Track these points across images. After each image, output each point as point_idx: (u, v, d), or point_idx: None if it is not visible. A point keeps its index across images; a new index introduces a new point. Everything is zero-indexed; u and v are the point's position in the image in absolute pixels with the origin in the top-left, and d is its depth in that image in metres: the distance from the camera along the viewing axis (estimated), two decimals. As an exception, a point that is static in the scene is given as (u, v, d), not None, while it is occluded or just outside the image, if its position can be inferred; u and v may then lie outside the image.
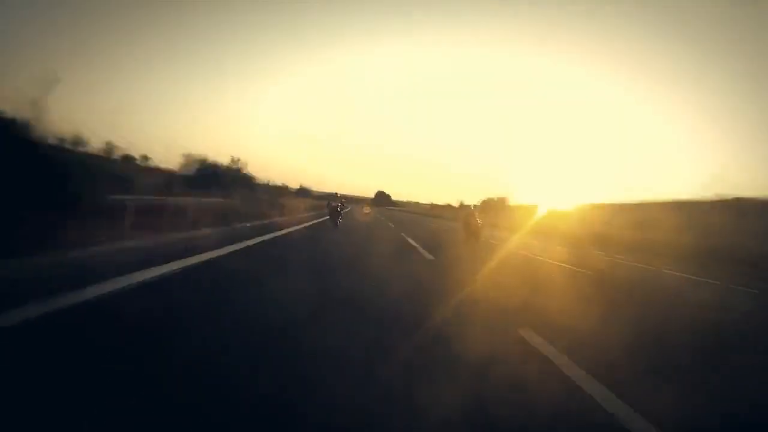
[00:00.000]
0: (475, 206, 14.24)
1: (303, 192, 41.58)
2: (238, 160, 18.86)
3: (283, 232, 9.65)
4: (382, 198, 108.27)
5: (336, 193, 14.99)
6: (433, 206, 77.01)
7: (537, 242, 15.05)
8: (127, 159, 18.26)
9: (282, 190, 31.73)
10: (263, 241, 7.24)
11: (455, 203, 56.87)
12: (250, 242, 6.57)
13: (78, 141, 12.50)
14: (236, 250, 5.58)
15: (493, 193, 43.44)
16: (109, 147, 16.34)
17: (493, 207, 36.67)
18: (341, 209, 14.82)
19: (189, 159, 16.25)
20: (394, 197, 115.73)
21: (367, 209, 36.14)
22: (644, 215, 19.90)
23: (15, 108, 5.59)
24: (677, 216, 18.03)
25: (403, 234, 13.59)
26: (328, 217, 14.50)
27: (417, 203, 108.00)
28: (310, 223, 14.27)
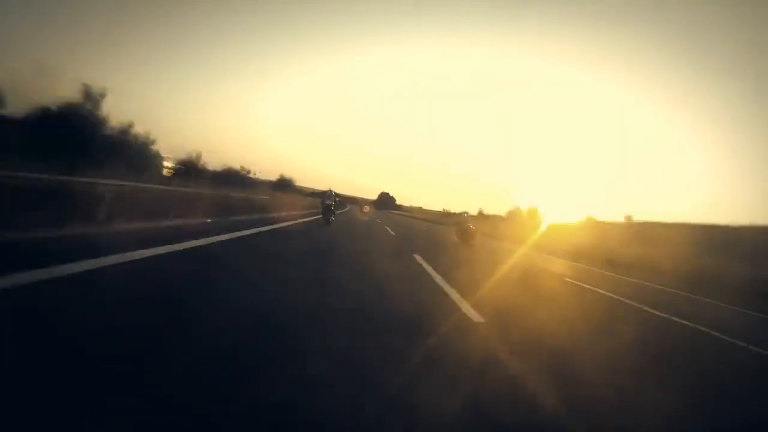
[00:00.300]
0: (469, 214, 13.92)
1: (284, 185, 31.71)
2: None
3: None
4: (385, 200, 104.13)
5: (330, 190, 14.55)
6: (447, 213, 65.95)
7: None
8: None
9: (234, 177, 21.58)
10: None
11: (474, 211, 49.31)
12: None
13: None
14: None
15: (518, 204, 42.30)
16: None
17: (518, 217, 35.48)
18: (335, 207, 14.57)
19: None
20: (402, 202, 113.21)
21: (366, 209, 36.55)
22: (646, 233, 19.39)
23: None
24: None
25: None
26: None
27: (421, 208, 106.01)
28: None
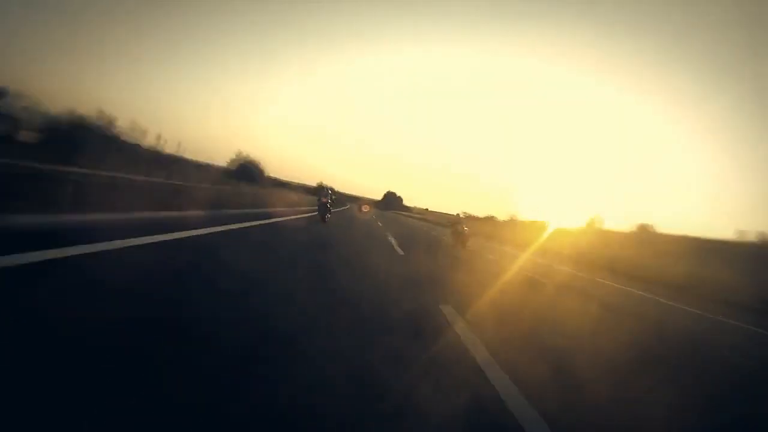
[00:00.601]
0: (463, 217, 13.77)
1: (246, 174, 19.16)
2: None
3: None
4: (391, 200, 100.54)
5: (325, 187, 14.35)
6: (468, 217, 56.82)
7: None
8: None
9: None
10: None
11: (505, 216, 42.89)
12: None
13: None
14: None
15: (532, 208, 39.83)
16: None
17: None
18: (330, 205, 14.42)
19: None
20: (409, 203, 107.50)
21: (365, 208, 34.40)
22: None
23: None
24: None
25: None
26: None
27: (427, 209, 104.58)
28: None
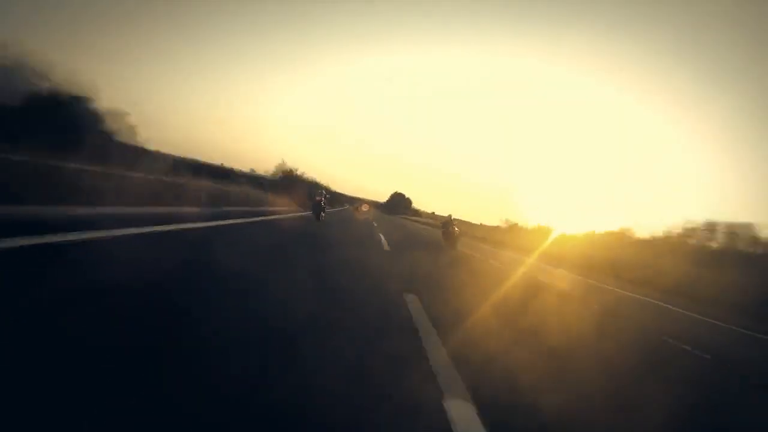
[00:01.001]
0: (454, 218, 13.90)
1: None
2: None
3: None
4: (398, 201, 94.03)
5: (319, 184, 14.65)
6: (512, 226, 43.45)
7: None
8: None
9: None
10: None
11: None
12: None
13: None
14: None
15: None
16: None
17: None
18: (325, 203, 14.78)
19: None
20: (417, 206, 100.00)
21: (365, 208, 32.43)
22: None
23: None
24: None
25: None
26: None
27: (433, 213, 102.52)
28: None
